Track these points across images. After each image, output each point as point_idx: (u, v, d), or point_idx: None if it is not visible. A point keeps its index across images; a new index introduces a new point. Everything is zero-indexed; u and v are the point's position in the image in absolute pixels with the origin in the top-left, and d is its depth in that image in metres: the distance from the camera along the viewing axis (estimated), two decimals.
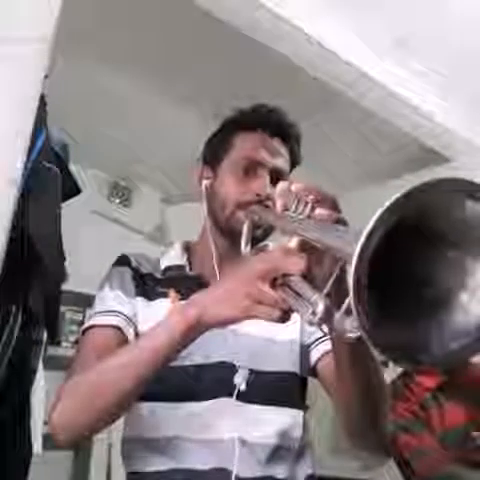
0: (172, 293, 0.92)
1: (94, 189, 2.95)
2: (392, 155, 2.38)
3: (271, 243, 0.97)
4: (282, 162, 0.96)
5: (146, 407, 0.85)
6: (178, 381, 0.83)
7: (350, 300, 0.40)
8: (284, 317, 0.60)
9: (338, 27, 1.70)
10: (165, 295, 0.92)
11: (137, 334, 0.88)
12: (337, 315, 0.50)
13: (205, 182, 0.98)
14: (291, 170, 0.99)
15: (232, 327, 0.77)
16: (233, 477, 0.79)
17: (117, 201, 3.12)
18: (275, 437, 0.85)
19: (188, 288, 0.89)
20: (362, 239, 0.39)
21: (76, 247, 1.63)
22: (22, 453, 1.29)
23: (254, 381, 0.85)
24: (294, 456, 0.87)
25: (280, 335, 0.90)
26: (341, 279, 0.57)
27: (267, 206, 0.89)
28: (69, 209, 1.44)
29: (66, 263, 1.44)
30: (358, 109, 1.99)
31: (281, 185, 0.69)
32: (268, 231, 0.93)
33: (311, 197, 0.62)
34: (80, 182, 1.49)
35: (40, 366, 1.38)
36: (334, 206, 0.63)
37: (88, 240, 2.48)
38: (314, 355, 0.90)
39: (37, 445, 1.35)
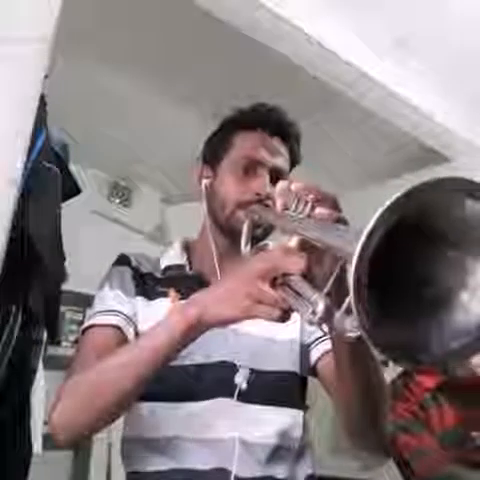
0: (172, 292, 0.92)
1: (94, 189, 2.96)
2: (392, 155, 2.39)
3: (271, 242, 0.97)
4: (282, 161, 0.96)
5: (146, 407, 0.85)
6: (178, 381, 0.83)
7: (350, 299, 0.40)
8: (284, 317, 0.60)
9: (338, 27, 1.71)
10: (165, 294, 0.92)
11: (137, 334, 0.88)
12: (337, 314, 0.50)
13: (205, 181, 0.98)
14: (291, 169, 0.99)
15: (233, 327, 0.77)
16: (232, 477, 0.79)
17: (117, 201, 3.12)
18: (275, 437, 0.85)
19: (188, 287, 0.89)
20: (363, 238, 0.39)
21: (76, 247, 1.63)
22: (22, 453, 1.29)
23: (255, 381, 0.85)
24: (294, 456, 0.87)
25: (280, 335, 0.90)
26: (341, 278, 0.57)
27: (267, 205, 0.89)
28: (69, 209, 1.44)
29: (66, 263, 1.44)
30: (358, 109, 1.99)
31: (281, 184, 0.69)
32: (268, 230, 0.93)
33: (311, 196, 0.62)
34: (80, 182, 1.49)
35: (40, 366, 1.38)
36: (334, 205, 0.63)
37: (88, 240, 2.48)
38: (314, 355, 0.90)
39: (37, 445, 1.35)
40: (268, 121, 0.96)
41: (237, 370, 0.85)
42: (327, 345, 0.87)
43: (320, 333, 0.88)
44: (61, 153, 1.37)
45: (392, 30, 1.73)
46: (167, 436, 0.83)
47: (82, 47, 1.88)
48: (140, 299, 0.92)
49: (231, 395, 0.84)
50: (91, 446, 2.55)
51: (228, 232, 0.94)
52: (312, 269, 0.59)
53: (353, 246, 0.40)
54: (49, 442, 0.91)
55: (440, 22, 1.68)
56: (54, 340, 1.45)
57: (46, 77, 1.11)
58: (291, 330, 0.91)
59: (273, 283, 0.60)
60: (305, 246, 0.61)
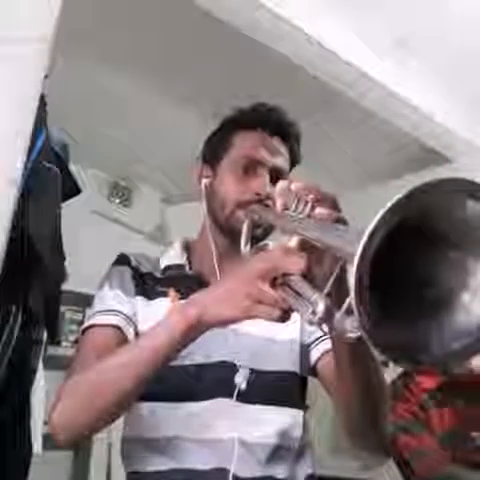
0: (172, 292, 0.92)
1: (94, 189, 2.96)
2: (392, 155, 2.39)
3: (271, 242, 0.97)
4: (282, 161, 0.96)
5: (146, 407, 0.85)
6: (178, 381, 0.83)
7: (351, 300, 0.40)
8: (284, 317, 0.60)
9: (338, 27, 1.71)
10: (165, 294, 0.92)
11: (137, 333, 0.88)
12: (337, 315, 0.50)
13: (205, 181, 0.98)
14: (291, 169, 0.99)
15: (233, 327, 0.77)
16: (230, 477, 0.79)
17: (117, 201, 3.12)
18: (275, 437, 0.85)
19: (188, 287, 0.89)
20: (364, 239, 0.39)
21: (76, 247, 1.63)
22: (22, 453, 1.29)
23: (254, 381, 0.85)
24: (294, 456, 0.87)
25: (280, 335, 0.90)
26: (341, 278, 0.57)
27: (267, 205, 0.89)
28: (69, 209, 1.44)
29: (66, 263, 1.44)
30: (358, 109, 1.99)
31: (281, 184, 0.69)
32: (268, 230, 0.93)
33: (311, 196, 0.62)
34: (80, 182, 1.49)
35: (40, 366, 1.38)
36: (334, 205, 0.63)
37: (88, 240, 2.48)
38: (314, 354, 0.90)
39: (37, 445, 1.35)
40: (268, 121, 0.96)
41: (237, 370, 0.85)
42: (327, 345, 0.87)
43: (320, 333, 0.88)
44: (61, 153, 1.37)
45: (392, 30, 1.73)
46: (167, 436, 0.83)
47: (82, 47, 1.88)
48: (140, 299, 0.92)
49: (231, 395, 0.84)
50: (91, 446, 2.55)
51: (228, 232, 0.94)
52: (312, 269, 0.59)
53: (354, 247, 0.40)
54: (49, 442, 0.91)
55: (440, 22, 1.68)
56: (54, 340, 1.45)
57: (46, 77, 1.11)
58: (291, 330, 0.91)
59: (273, 283, 0.60)
60: (305, 246, 0.61)
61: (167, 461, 0.82)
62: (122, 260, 0.97)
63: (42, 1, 1.11)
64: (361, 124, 2.17)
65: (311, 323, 0.53)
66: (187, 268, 0.97)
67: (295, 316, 0.61)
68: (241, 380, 0.84)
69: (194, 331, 0.67)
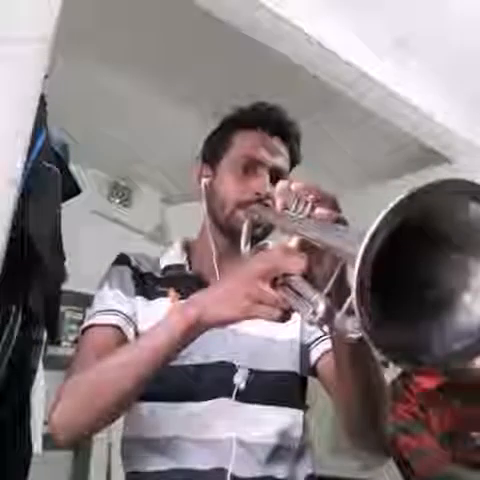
0: (172, 292, 0.91)
1: (94, 189, 2.96)
2: (392, 155, 2.39)
3: (271, 242, 0.97)
4: (282, 161, 0.96)
5: (146, 407, 0.85)
6: (178, 381, 0.83)
7: (353, 302, 0.40)
8: (284, 317, 0.60)
9: (338, 27, 1.71)
10: (165, 294, 0.92)
11: (137, 333, 0.88)
12: (338, 315, 0.50)
13: (204, 180, 0.98)
14: (291, 169, 0.99)
15: (232, 327, 0.77)
16: (228, 476, 0.79)
17: (117, 201, 3.12)
18: (275, 437, 0.85)
19: (188, 287, 0.89)
20: (366, 240, 0.39)
21: (76, 247, 1.63)
22: (22, 453, 1.29)
23: (254, 381, 0.85)
24: (294, 456, 0.87)
25: (280, 335, 0.90)
26: (342, 279, 0.57)
27: (267, 205, 0.88)
28: (69, 209, 1.44)
29: (66, 263, 1.44)
30: (358, 109, 1.99)
31: (281, 184, 0.69)
32: (268, 230, 0.93)
33: (311, 196, 0.62)
34: (80, 182, 1.49)
35: (40, 366, 1.38)
36: (334, 205, 0.62)
37: (88, 240, 2.48)
38: (314, 354, 0.90)
39: (37, 445, 1.35)
40: (268, 120, 0.96)
41: (236, 370, 0.85)
42: (327, 345, 0.87)
43: (320, 333, 0.88)
44: (61, 153, 1.37)
45: (392, 30, 1.73)
46: (167, 436, 0.83)
47: (82, 47, 1.88)
48: (140, 299, 0.92)
49: (230, 395, 0.83)
50: (91, 446, 2.55)
51: (228, 232, 0.94)
52: (312, 269, 0.59)
53: (356, 248, 0.39)
54: (49, 442, 0.91)
55: (440, 22, 1.68)
56: (54, 340, 1.45)
57: (46, 77, 1.11)
58: (291, 330, 0.91)
59: (273, 283, 0.60)
60: (305, 246, 0.61)
61: (167, 461, 0.82)
62: (122, 260, 0.97)
63: (42, 1, 1.11)
64: (361, 124, 2.17)
65: (312, 323, 0.53)
66: (187, 268, 0.97)
67: (295, 316, 0.61)
68: (240, 380, 0.84)
69: (194, 331, 0.67)
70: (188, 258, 0.99)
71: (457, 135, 2.10)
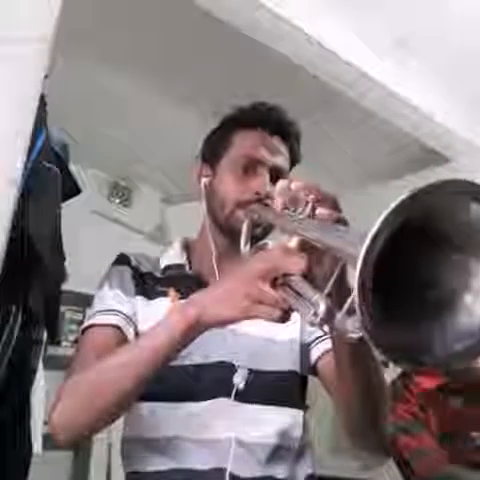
0: (172, 292, 0.91)
1: (94, 189, 2.96)
2: (392, 155, 2.39)
3: (270, 241, 0.97)
4: (282, 160, 0.95)
5: (146, 407, 0.85)
6: (178, 381, 0.83)
7: (353, 302, 0.40)
8: (284, 317, 0.60)
9: (338, 27, 1.71)
10: (165, 294, 0.92)
11: (137, 333, 0.88)
12: (338, 315, 0.50)
13: (204, 180, 0.98)
14: (291, 168, 0.99)
15: (231, 327, 0.77)
16: (227, 475, 0.79)
17: (117, 201, 3.12)
18: (275, 437, 0.85)
19: (188, 287, 0.89)
20: (367, 242, 0.39)
21: (76, 247, 1.63)
22: (22, 453, 1.29)
23: (253, 381, 0.85)
24: (294, 456, 0.87)
25: (280, 335, 0.90)
26: (342, 279, 0.57)
27: (267, 205, 0.88)
28: (69, 209, 1.44)
29: (66, 263, 1.44)
30: (358, 109, 1.99)
31: (281, 184, 0.69)
32: (268, 229, 0.93)
33: (312, 196, 0.62)
34: (80, 182, 1.49)
35: (40, 366, 1.38)
36: (334, 205, 0.62)
37: (88, 240, 2.48)
38: (314, 354, 0.90)
39: (37, 445, 1.35)
40: (268, 120, 0.96)
41: (235, 370, 0.85)
42: (327, 344, 0.87)
43: (320, 332, 0.88)
44: (61, 153, 1.37)
45: (392, 30, 1.73)
46: (167, 436, 0.83)
47: (82, 47, 1.88)
48: (140, 299, 0.91)
49: (229, 395, 0.83)
50: (91, 446, 2.55)
51: (227, 231, 0.94)
52: (312, 269, 0.59)
53: (357, 249, 0.39)
54: (49, 442, 0.91)
55: (440, 22, 1.68)
56: (54, 340, 1.45)
57: (46, 77, 1.11)
58: (291, 330, 0.91)
59: (273, 283, 0.60)
60: (305, 246, 0.61)
61: (167, 461, 0.82)
62: (122, 260, 0.97)
63: (42, 1, 1.11)
64: (361, 124, 2.17)
65: (312, 324, 0.52)
66: (187, 268, 0.97)
67: (295, 316, 0.61)
68: (239, 380, 0.84)
69: (193, 331, 0.67)
70: (188, 258, 0.99)
71: (457, 135, 2.10)
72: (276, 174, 0.93)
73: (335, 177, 2.48)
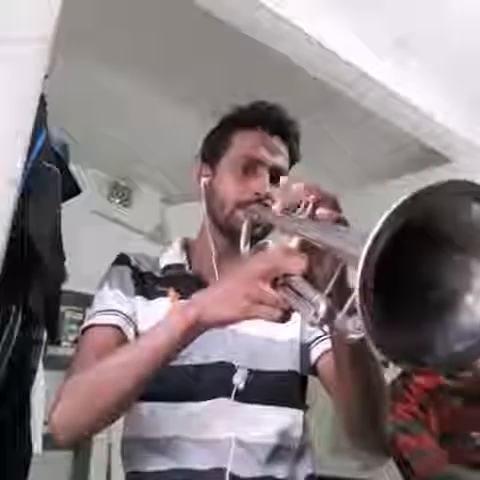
0: (171, 292, 0.91)
1: (94, 189, 2.96)
2: (392, 155, 2.39)
3: (270, 241, 0.97)
4: (282, 160, 0.95)
5: (146, 407, 0.85)
6: (178, 381, 0.83)
7: (355, 302, 0.40)
8: (285, 317, 0.60)
9: (338, 27, 1.71)
10: (164, 294, 0.92)
11: (137, 333, 0.88)
12: (339, 316, 0.50)
13: (204, 180, 0.98)
14: (290, 167, 0.99)
15: (231, 327, 0.77)
16: (227, 475, 0.79)
17: (117, 201, 3.12)
18: (275, 437, 0.85)
19: (187, 287, 0.89)
20: (368, 242, 0.39)
21: (76, 247, 1.63)
22: (22, 453, 1.29)
23: (253, 381, 0.85)
24: (294, 456, 0.87)
25: (280, 335, 0.90)
26: (342, 279, 0.57)
27: (266, 205, 0.88)
28: (69, 209, 1.44)
29: (66, 263, 1.44)
30: (358, 109, 1.99)
31: (281, 183, 0.69)
32: (267, 229, 0.93)
33: (312, 197, 0.62)
34: (80, 182, 1.49)
35: (40, 366, 1.38)
36: (335, 206, 0.62)
37: (88, 240, 2.48)
38: (314, 353, 0.90)
39: (37, 445, 1.35)
40: (268, 120, 0.95)
41: (235, 370, 0.85)
42: (327, 344, 0.87)
43: (320, 332, 0.88)
44: (61, 153, 1.37)
45: (392, 30, 1.73)
46: (167, 436, 0.83)
47: (82, 47, 1.88)
48: (139, 298, 0.91)
49: (229, 395, 0.83)
50: (91, 446, 2.55)
51: (227, 232, 0.94)
52: (313, 270, 0.59)
53: (359, 250, 0.39)
54: (49, 442, 0.91)
55: (440, 22, 1.68)
56: (54, 340, 1.45)
57: (46, 77, 1.11)
58: (291, 330, 0.91)
59: (274, 284, 0.60)
60: (305, 247, 0.61)
61: (167, 461, 0.82)
62: (122, 260, 0.97)
63: (42, 1, 1.11)
64: (361, 124, 2.17)
65: (313, 324, 0.52)
66: (187, 268, 0.97)
67: (295, 316, 0.61)
68: (239, 380, 0.84)
69: (193, 331, 0.67)
70: (188, 258, 0.99)
71: (457, 135, 2.10)
72: (276, 174, 0.93)
73: (335, 177, 2.48)
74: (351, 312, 0.48)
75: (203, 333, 0.68)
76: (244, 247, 0.87)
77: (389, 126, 2.08)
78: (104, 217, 2.97)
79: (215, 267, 0.93)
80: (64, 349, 2.52)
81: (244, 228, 0.88)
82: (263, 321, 0.61)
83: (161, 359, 0.69)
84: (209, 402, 0.83)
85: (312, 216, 0.61)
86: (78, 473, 2.63)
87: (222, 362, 0.85)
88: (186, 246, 1.02)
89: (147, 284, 0.94)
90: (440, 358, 0.44)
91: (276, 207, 0.71)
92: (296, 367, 0.90)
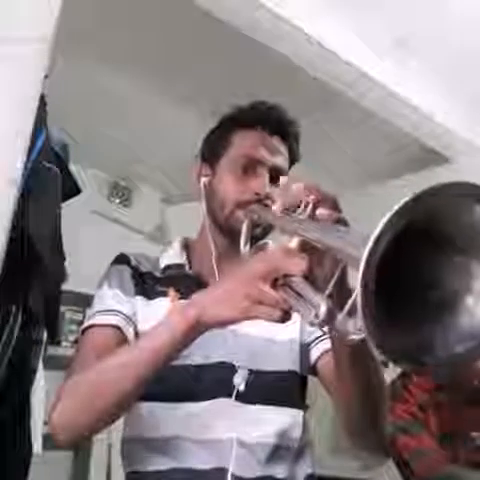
0: (171, 292, 0.91)
1: (94, 189, 2.96)
2: (392, 155, 2.39)
3: (270, 241, 0.97)
4: (282, 160, 0.95)
5: (145, 407, 0.85)
6: (178, 381, 0.83)
7: (357, 304, 0.40)
8: (285, 317, 0.60)
9: (338, 27, 1.71)
10: (164, 294, 0.91)
11: (137, 333, 0.88)
12: (339, 316, 0.50)
13: (203, 180, 0.97)
14: (289, 167, 0.98)
15: (232, 327, 0.77)
16: (229, 476, 0.79)
17: (117, 201, 3.12)
18: (274, 437, 0.84)
19: (187, 287, 0.89)
20: (370, 243, 0.39)
21: (76, 247, 1.63)
22: (22, 453, 1.29)
23: (253, 381, 0.85)
24: (294, 456, 0.87)
25: (280, 335, 0.90)
26: (342, 280, 0.57)
27: (266, 205, 0.88)
28: (69, 209, 1.44)
29: (66, 263, 1.44)
30: (358, 109, 1.99)
31: (281, 183, 0.69)
32: (267, 229, 0.93)
33: (312, 197, 0.62)
34: (80, 182, 1.49)
35: (40, 366, 1.38)
36: (335, 206, 0.62)
37: (88, 240, 2.48)
38: (314, 353, 0.90)
39: (37, 445, 1.35)
40: (268, 119, 0.95)
41: (236, 371, 0.85)
42: (327, 344, 0.87)
43: (320, 332, 0.88)
44: (61, 153, 1.37)
45: (392, 30, 1.73)
46: (167, 436, 0.83)
47: (82, 47, 1.88)
48: (139, 298, 0.91)
49: (230, 396, 0.83)
50: (91, 446, 2.55)
51: (227, 232, 0.94)
52: (313, 270, 0.59)
53: (360, 251, 0.39)
54: (49, 442, 0.91)
55: (440, 22, 1.68)
56: (54, 340, 1.45)
57: (46, 77, 1.11)
58: (291, 330, 0.90)
59: (274, 284, 0.60)
60: (305, 247, 0.61)
61: (167, 461, 0.82)
62: (121, 259, 0.97)
63: (42, 1, 1.11)
64: (361, 124, 2.17)
65: (313, 325, 0.52)
66: (187, 267, 0.97)
67: (295, 316, 0.61)
68: (240, 381, 0.84)
69: (194, 332, 0.67)
70: (188, 257, 0.99)
71: (457, 135, 2.10)
72: (276, 174, 0.93)
73: (335, 177, 2.48)
74: (351, 313, 0.48)
75: (203, 333, 0.68)
76: (244, 247, 0.87)
77: (389, 126, 2.08)
78: (104, 217, 2.97)
79: (215, 267, 0.93)
80: (64, 349, 2.52)
81: (244, 228, 0.88)
82: (263, 321, 0.61)
83: (161, 360, 0.69)
84: (209, 402, 0.83)
85: (312, 216, 0.61)
86: (78, 473, 2.63)
87: (223, 362, 0.85)
88: (186, 246, 1.02)
89: (147, 284, 0.94)
90: (440, 359, 0.44)
91: (276, 207, 0.71)
92: (296, 367, 0.90)
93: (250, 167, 0.93)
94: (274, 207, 0.72)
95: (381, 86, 1.85)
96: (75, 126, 2.03)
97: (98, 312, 0.88)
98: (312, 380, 0.94)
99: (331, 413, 2.02)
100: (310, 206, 0.62)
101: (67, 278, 1.52)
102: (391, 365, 0.46)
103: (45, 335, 1.37)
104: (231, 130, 0.97)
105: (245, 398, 0.84)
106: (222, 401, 0.83)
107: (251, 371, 0.85)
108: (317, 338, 0.90)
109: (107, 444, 2.51)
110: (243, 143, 0.95)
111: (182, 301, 0.87)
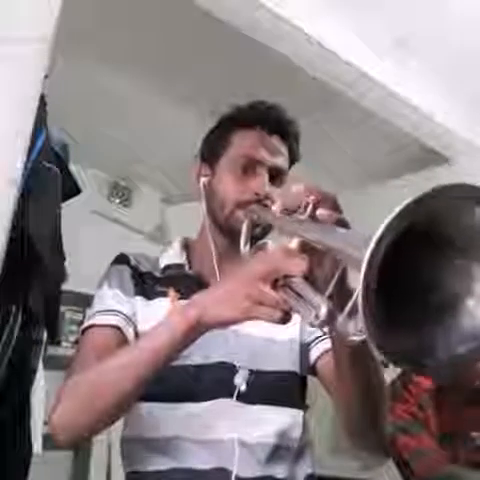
0: (171, 292, 0.91)
1: (94, 189, 2.96)
2: (392, 155, 2.39)
3: (270, 241, 0.97)
4: (281, 160, 0.95)
5: (145, 407, 0.84)
6: (178, 381, 0.83)
7: (357, 305, 0.40)
8: (285, 318, 0.60)
9: (338, 27, 1.71)
10: (164, 294, 0.91)
11: (137, 334, 0.88)
12: (340, 317, 0.50)
13: (203, 179, 0.97)
14: (289, 167, 0.98)
15: (233, 328, 0.77)
16: (233, 477, 0.79)
17: (117, 201, 3.12)
18: (274, 437, 0.84)
19: (187, 287, 0.89)
20: (372, 245, 0.39)
21: (76, 247, 1.63)
22: (22, 453, 1.29)
23: (254, 381, 0.85)
24: (294, 456, 0.87)
25: (280, 335, 0.90)
26: (342, 281, 0.57)
27: (266, 205, 0.88)
28: (69, 209, 1.44)
29: (66, 263, 1.44)
30: (358, 109, 1.99)
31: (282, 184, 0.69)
32: (267, 229, 0.93)
33: (312, 197, 0.62)
34: (80, 182, 1.49)
35: (40, 366, 1.38)
36: (335, 206, 0.62)
37: (88, 240, 2.48)
38: (314, 353, 0.90)
39: (37, 445, 1.35)
40: (267, 119, 0.95)
41: (236, 371, 0.85)
42: (327, 344, 0.87)
43: (320, 332, 0.88)
44: (61, 153, 1.37)
45: (392, 30, 1.73)
46: (167, 436, 0.83)
47: (82, 47, 1.88)
48: (139, 299, 0.91)
49: (230, 396, 0.83)
50: (91, 446, 2.55)
51: (227, 232, 0.94)
52: (313, 271, 0.59)
53: (362, 252, 0.39)
54: (49, 442, 0.91)
55: (440, 22, 1.68)
56: (54, 340, 1.45)
57: (46, 77, 1.11)
58: (291, 330, 0.90)
59: (274, 285, 0.60)
60: (306, 248, 0.61)
61: (167, 461, 0.82)
62: (121, 259, 0.96)
63: (42, 1, 1.11)
64: (361, 124, 2.17)
65: (313, 326, 0.52)
66: (187, 267, 0.97)
67: (295, 317, 0.61)
68: (240, 381, 0.84)
69: (194, 332, 0.67)
70: (188, 257, 0.99)
71: (457, 135, 2.10)
72: (275, 174, 0.93)
73: (335, 177, 2.48)
74: (352, 314, 0.48)
75: (204, 334, 0.68)
76: (244, 247, 0.87)
77: (389, 126, 2.08)
78: (104, 217, 2.97)
79: (216, 267, 0.93)
80: (64, 349, 2.52)
81: (244, 228, 0.88)
82: (264, 321, 0.61)
83: (161, 360, 0.69)
84: (210, 402, 0.83)
85: (312, 217, 0.61)
86: (78, 473, 2.63)
87: (223, 362, 0.85)
88: (186, 246, 1.02)
89: (147, 284, 0.94)
90: (442, 360, 0.44)
91: (276, 207, 0.71)
92: (296, 367, 0.90)
93: (250, 167, 0.93)
94: (274, 207, 0.72)
95: (381, 86, 1.85)
96: (75, 126, 2.03)
97: (98, 312, 0.88)
98: (312, 380, 0.94)
99: (331, 413, 2.02)
100: (310, 206, 0.62)
101: (67, 278, 1.52)
102: (391, 365, 0.46)
103: (45, 335, 1.37)
104: (230, 130, 0.97)
105: (246, 398, 0.84)
106: (223, 401, 0.83)
107: (251, 371, 0.85)
108: (317, 338, 0.90)
109: (107, 444, 2.51)
110: (242, 143, 0.95)
111: (182, 301, 0.87)
